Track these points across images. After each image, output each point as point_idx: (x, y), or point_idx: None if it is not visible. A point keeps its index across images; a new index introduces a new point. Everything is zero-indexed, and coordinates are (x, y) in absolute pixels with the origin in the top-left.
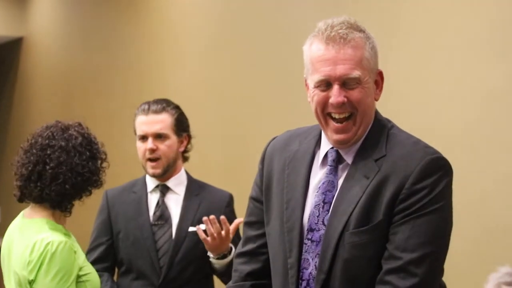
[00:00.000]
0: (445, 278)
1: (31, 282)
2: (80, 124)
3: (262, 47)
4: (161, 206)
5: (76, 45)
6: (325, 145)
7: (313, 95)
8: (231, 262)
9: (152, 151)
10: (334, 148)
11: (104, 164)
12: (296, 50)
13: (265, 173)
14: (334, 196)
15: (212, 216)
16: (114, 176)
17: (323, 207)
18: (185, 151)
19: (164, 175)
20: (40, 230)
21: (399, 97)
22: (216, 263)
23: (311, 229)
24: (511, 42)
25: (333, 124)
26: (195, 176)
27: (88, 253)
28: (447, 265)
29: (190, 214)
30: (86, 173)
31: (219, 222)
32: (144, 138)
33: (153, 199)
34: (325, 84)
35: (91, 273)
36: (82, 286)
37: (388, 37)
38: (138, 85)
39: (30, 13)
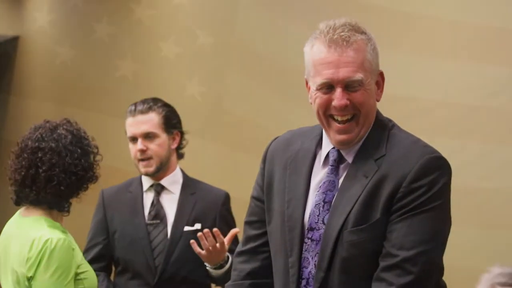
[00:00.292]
0: (445, 278)
1: (29, 279)
2: (68, 121)
3: (259, 46)
4: (156, 205)
5: (74, 44)
6: (327, 145)
7: (315, 97)
8: (228, 270)
9: (143, 151)
10: (336, 148)
11: (97, 158)
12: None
13: (266, 172)
14: (334, 195)
15: (205, 230)
16: (111, 174)
17: (323, 207)
18: (179, 148)
19: (157, 173)
20: (38, 227)
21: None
22: (213, 272)
23: (311, 228)
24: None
25: (335, 125)
26: (191, 174)
27: (84, 252)
28: (447, 265)
29: (185, 213)
30: (80, 172)
31: (213, 235)
32: (134, 139)
33: (148, 199)
34: (328, 87)
35: (89, 271)
36: (80, 283)
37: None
38: (136, 84)
39: (26, 12)
